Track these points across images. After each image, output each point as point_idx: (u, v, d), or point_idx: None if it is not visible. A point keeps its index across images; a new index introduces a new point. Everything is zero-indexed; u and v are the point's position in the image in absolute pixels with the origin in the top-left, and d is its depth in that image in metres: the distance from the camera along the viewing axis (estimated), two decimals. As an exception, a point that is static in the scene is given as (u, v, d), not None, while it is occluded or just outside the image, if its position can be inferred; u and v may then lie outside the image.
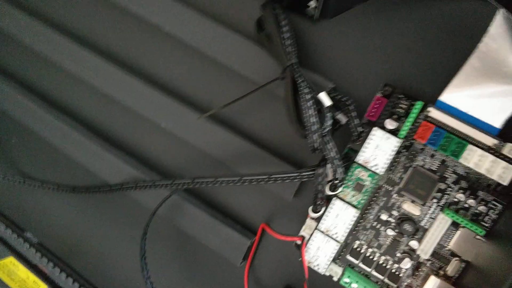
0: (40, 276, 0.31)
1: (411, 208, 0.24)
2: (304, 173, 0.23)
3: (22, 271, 0.32)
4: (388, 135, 0.23)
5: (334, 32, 0.26)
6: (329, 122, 0.23)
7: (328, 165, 0.23)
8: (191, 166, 0.29)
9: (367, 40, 0.25)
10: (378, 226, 0.24)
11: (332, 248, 0.25)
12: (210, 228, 0.28)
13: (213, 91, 0.29)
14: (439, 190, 0.23)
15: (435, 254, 0.24)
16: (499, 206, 0.22)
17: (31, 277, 0.31)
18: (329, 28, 0.26)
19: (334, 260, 0.25)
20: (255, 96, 0.26)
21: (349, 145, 0.25)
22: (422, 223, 0.24)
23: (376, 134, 0.24)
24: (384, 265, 0.24)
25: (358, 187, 0.24)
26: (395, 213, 0.24)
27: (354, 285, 0.24)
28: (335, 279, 0.25)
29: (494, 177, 0.22)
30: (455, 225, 0.23)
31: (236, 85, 0.28)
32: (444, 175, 0.23)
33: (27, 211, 0.34)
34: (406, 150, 0.24)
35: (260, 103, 0.28)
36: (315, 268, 0.25)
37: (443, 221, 0.23)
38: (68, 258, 0.32)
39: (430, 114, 0.23)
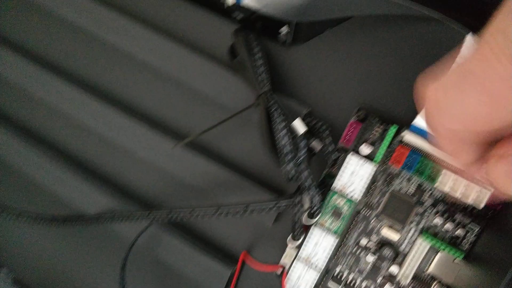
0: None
1: (389, 233, 0.24)
2: (280, 204, 0.23)
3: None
4: (363, 160, 0.23)
5: (307, 56, 0.26)
6: (303, 151, 0.22)
7: (304, 194, 0.23)
8: (169, 195, 0.29)
9: (341, 64, 0.25)
10: (358, 252, 0.24)
11: (313, 276, 0.24)
12: (190, 258, 0.27)
13: (189, 119, 0.28)
14: (417, 214, 0.23)
15: (415, 278, 0.23)
16: (476, 229, 0.22)
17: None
18: (302, 52, 0.26)
19: None
20: (232, 123, 0.26)
21: (325, 171, 0.25)
22: (402, 248, 0.24)
23: (351, 161, 0.23)
24: (365, 290, 0.24)
25: (336, 214, 0.24)
26: (374, 238, 0.24)
27: (336, 312, 0.24)
28: (317, 307, 0.25)
29: (469, 200, 0.22)
30: (434, 249, 0.23)
31: (212, 112, 0.27)
32: (421, 199, 0.23)
33: (2, 244, 0.33)
34: (382, 174, 0.24)
35: (236, 129, 0.27)
36: (297, 297, 0.25)
37: (422, 246, 0.23)
38: (47, 292, 0.31)
39: (405, 139, 0.23)
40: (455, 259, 0.23)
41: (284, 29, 0.25)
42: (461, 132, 0.14)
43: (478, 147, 0.15)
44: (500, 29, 0.14)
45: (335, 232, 0.24)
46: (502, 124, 0.13)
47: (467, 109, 0.13)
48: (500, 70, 0.12)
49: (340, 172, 0.24)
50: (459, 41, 0.22)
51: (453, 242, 0.23)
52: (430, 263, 0.23)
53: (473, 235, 0.23)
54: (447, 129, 0.14)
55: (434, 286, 0.23)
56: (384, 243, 0.24)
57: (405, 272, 0.23)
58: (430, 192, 0.23)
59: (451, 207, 0.23)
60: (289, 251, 0.25)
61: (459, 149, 0.15)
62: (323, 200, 0.24)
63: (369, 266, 0.24)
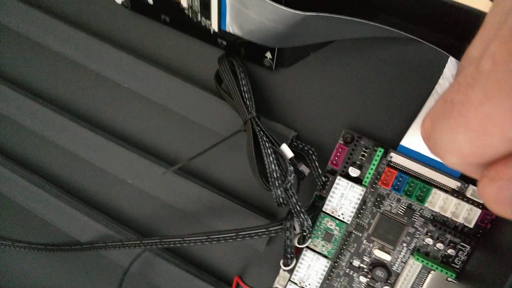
0: None
1: (382, 254, 0.24)
2: (271, 228, 0.23)
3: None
4: (352, 183, 0.23)
5: (292, 80, 0.26)
6: (291, 176, 0.22)
7: (295, 218, 0.23)
8: (161, 220, 0.29)
9: (326, 87, 0.25)
10: (351, 273, 0.24)
11: (307, 299, 0.24)
12: (184, 283, 0.27)
13: (178, 145, 0.28)
14: (408, 234, 0.23)
15: (409, 298, 0.23)
16: (467, 247, 0.22)
17: None
18: (287, 76, 0.26)
19: (310, 310, 0.25)
20: (221, 147, 0.26)
21: (315, 193, 0.25)
22: (394, 268, 0.24)
23: (340, 183, 0.23)
24: (360, 311, 0.24)
25: (327, 236, 0.24)
26: (366, 259, 0.24)
27: (331, 335, 0.24)
28: (312, 330, 0.24)
29: (460, 219, 0.22)
30: (426, 269, 0.23)
31: (201, 137, 0.28)
32: (411, 219, 0.23)
33: (-2, 274, 0.33)
34: (372, 196, 0.24)
35: (225, 154, 0.27)
36: (292, 320, 0.25)
37: (414, 266, 0.23)
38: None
39: (393, 160, 0.23)
40: (447, 278, 0.23)
41: (269, 54, 0.25)
42: (458, 164, 0.14)
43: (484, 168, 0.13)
44: (474, 58, 0.13)
45: (327, 255, 0.24)
46: (497, 153, 0.12)
47: (453, 143, 0.13)
48: (476, 101, 0.12)
49: (330, 194, 0.24)
50: (444, 60, 0.22)
51: (445, 261, 0.23)
52: (423, 283, 0.23)
53: (465, 254, 0.23)
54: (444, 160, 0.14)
55: (428, 306, 0.23)
56: (376, 264, 0.24)
57: (398, 292, 0.23)
58: (421, 211, 0.23)
59: (442, 227, 0.23)
60: (283, 274, 0.25)
61: (467, 172, 0.14)
62: (314, 223, 0.24)
63: (362, 287, 0.24)
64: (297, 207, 0.22)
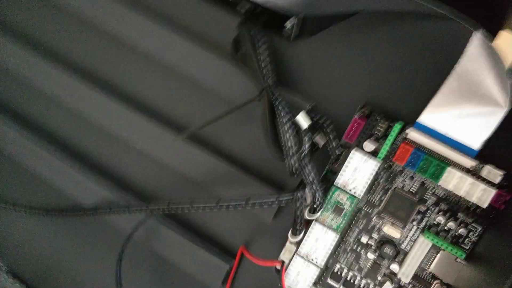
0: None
1: (391, 231, 0.23)
2: (282, 198, 0.23)
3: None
4: (366, 157, 0.23)
5: (311, 51, 0.25)
6: (306, 146, 0.22)
7: (307, 189, 0.23)
8: (168, 188, 0.28)
9: (345, 59, 0.25)
10: (358, 249, 0.24)
11: (313, 273, 0.24)
12: (187, 252, 0.27)
13: (190, 111, 0.28)
14: (419, 212, 0.23)
15: (416, 277, 0.23)
16: (479, 228, 0.22)
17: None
18: (306, 47, 0.25)
19: (314, 284, 0.25)
20: (233, 116, 0.26)
21: (328, 166, 0.24)
22: (403, 246, 0.23)
23: (355, 156, 0.23)
24: (365, 288, 0.24)
25: (338, 210, 0.24)
26: (375, 235, 0.24)
27: (335, 310, 0.24)
28: (315, 304, 0.24)
29: (473, 199, 0.22)
30: (435, 248, 0.23)
31: (213, 105, 0.27)
32: (423, 197, 0.23)
33: (-2, 235, 0.32)
34: (385, 172, 0.23)
35: (238, 123, 0.27)
36: (296, 293, 0.24)
37: (423, 244, 0.23)
38: (42, 284, 0.31)
39: (409, 136, 0.23)
40: (456, 258, 0.23)
41: (288, 24, 0.25)
42: None
43: None
44: None
45: (336, 229, 0.24)
46: None
47: None
48: None
49: (343, 168, 0.23)
50: (466, 38, 0.22)
51: (455, 241, 0.23)
52: (431, 262, 0.23)
53: (476, 234, 0.22)
54: None
55: (434, 285, 0.23)
56: (385, 241, 0.24)
57: (405, 270, 0.23)
58: (433, 190, 0.23)
59: (454, 206, 0.23)
60: (289, 246, 0.25)
61: None
62: (324, 196, 0.24)
63: (370, 263, 0.24)
64: (310, 177, 0.22)
